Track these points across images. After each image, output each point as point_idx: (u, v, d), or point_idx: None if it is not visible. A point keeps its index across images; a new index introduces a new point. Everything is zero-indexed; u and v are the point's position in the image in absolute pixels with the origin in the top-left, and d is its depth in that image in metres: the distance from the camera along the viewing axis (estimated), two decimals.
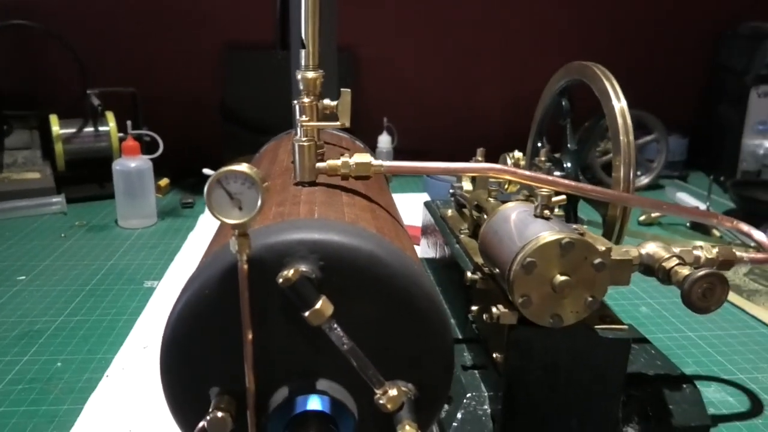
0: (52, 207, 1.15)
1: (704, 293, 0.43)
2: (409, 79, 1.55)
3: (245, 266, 0.36)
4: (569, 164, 0.70)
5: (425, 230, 0.84)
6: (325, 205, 0.44)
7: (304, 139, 0.49)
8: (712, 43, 1.54)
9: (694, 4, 1.56)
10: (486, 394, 0.50)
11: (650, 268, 0.48)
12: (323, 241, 0.38)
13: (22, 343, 0.69)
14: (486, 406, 0.49)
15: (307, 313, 0.36)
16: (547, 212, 0.46)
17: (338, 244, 0.38)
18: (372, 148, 1.10)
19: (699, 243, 0.50)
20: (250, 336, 0.37)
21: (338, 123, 0.51)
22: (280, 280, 0.35)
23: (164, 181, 1.28)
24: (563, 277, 0.42)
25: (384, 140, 1.43)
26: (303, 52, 0.50)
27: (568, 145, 0.70)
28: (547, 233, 0.43)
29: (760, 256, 0.52)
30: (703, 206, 1.19)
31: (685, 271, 0.45)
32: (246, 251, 0.35)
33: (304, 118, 0.49)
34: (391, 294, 0.39)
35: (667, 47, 1.60)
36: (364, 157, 0.50)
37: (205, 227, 1.06)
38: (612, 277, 0.45)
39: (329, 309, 0.36)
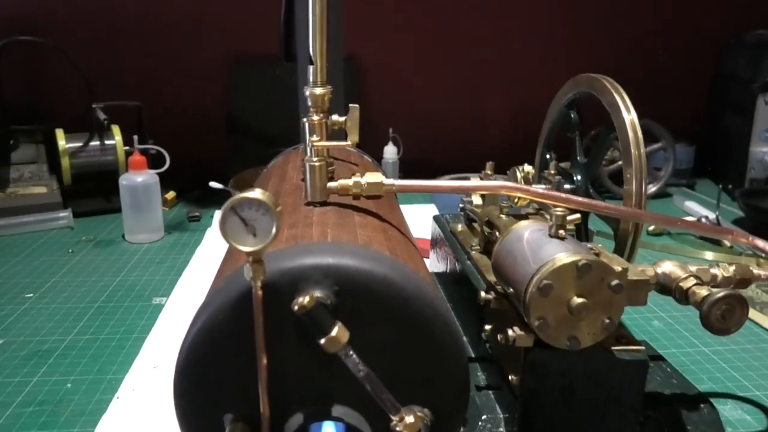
0: (59, 222, 1.15)
1: (723, 315, 0.43)
2: (412, 88, 1.55)
3: (260, 293, 0.35)
4: (579, 177, 0.70)
5: (434, 243, 0.84)
6: (337, 226, 0.44)
7: (315, 159, 0.48)
8: (716, 52, 1.54)
9: (698, 13, 1.56)
10: (501, 416, 0.49)
11: (667, 287, 0.47)
12: (337, 265, 0.37)
13: (31, 363, 0.69)
14: (501, 429, 0.48)
15: (323, 341, 0.35)
16: (561, 232, 0.45)
17: (352, 269, 0.38)
18: (377, 159, 1.10)
19: (715, 260, 0.49)
20: (264, 362, 0.36)
21: (348, 142, 0.50)
22: (296, 308, 0.35)
23: (171, 195, 1.28)
24: (580, 300, 0.42)
25: (390, 151, 1.43)
26: (311, 68, 0.50)
27: (578, 158, 0.70)
28: (563, 255, 0.42)
29: None
30: (712, 215, 1.18)
31: (703, 291, 0.44)
32: (260, 278, 0.35)
33: (314, 138, 0.49)
34: (406, 317, 0.38)
35: (671, 55, 1.59)
36: (376, 177, 0.50)
37: (212, 241, 1.06)
38: (629, 297, 0.45)
39: (345, 336, 0.36)
